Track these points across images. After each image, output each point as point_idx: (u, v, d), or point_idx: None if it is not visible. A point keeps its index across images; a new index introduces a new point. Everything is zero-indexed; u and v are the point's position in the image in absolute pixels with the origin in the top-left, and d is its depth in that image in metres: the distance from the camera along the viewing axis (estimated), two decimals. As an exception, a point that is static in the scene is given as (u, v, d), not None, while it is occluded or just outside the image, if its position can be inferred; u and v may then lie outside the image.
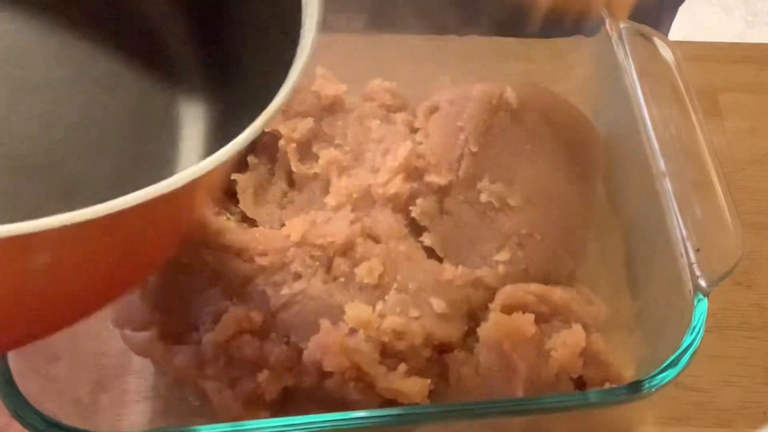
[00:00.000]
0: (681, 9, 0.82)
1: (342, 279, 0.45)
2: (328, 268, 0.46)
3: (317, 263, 0.46)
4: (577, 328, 0.43)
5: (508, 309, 0.44)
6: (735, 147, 0.61)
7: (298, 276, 0.46)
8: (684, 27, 0.82)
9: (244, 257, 0.47)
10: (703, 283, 0.41)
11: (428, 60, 0.57)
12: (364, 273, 0.45)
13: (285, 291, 0.45)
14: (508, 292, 0.45)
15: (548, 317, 0.44)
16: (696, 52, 0.67)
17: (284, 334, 0.44)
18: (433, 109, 0.52)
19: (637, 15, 0.53)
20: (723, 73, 0.66)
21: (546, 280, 0.46)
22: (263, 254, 0.47)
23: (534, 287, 0.45)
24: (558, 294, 0.45)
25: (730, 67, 0.66)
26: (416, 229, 0.48)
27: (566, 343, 0.42)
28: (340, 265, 0.46)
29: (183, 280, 0.46)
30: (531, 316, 0.43)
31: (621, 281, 0.50)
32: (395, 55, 0.57)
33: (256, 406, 0.43)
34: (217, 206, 0.50)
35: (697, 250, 0.42)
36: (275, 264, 0.46)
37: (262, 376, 0.43)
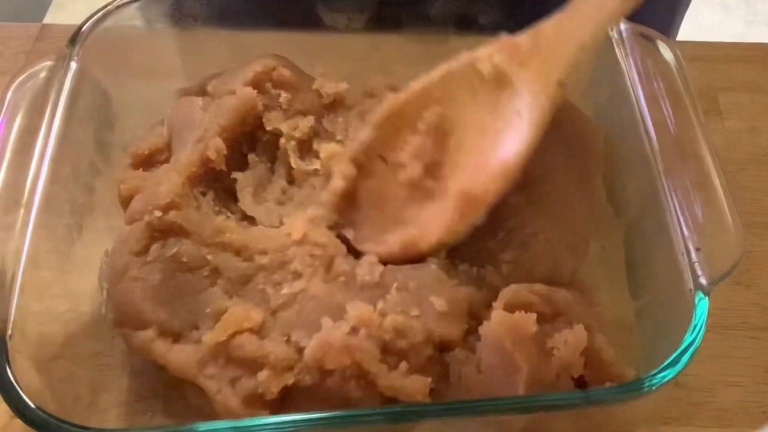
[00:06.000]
0: (681, 9, 0.82)
1: (342, 278, 0.45)
2: (329, 267, 0.46)
3: (317, 262, 0.46)
4: (579, 327, 0.43)
5: (511, 308, 0.44)
6: (735, 147, 0.61)
7: (298, 275, 0.46)
8: (684, 27, 0.82)
9: (244, 256, 0.47)
10: (703, 282, 0.41)
11: (428, 60, 0.57)
12: (365, 271, 0.45)
13: (285, 290, 0.45)
14: (512, 292, 0.45)
15: (551, 317, 0.44)
16: (696, 52, 0.67)
17: (285, 332, 0.44)
18: None
19: (651, 19, 0.53)
20: (723, 73, 0.66)
21: (549, 280, 0.46)
22: (263, 253, 0.47)
23: (538, 287, 0.45)
24: (562, 294, 0.45)
25: (730, 67, 0.66)
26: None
27: (568, 343, 0.42)
28: (341, 264, 0.46)
29: (183, 279, 0.46)
30: (533, 315, 0.43)
31: (621, 281, 0.50)
32: (395, 55, 0.57)
33: (257, 405, 0.43)
34: (217, 205, 0.50)
35: (697, 250, 0.42)
36: (275, 263, 0.46)
37: (262, 375, 0.42)
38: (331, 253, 0.46)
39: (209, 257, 0.47)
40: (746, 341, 0.52)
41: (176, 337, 0.45)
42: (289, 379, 0.43)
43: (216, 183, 0.50)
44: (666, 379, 0.39)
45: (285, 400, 0.43)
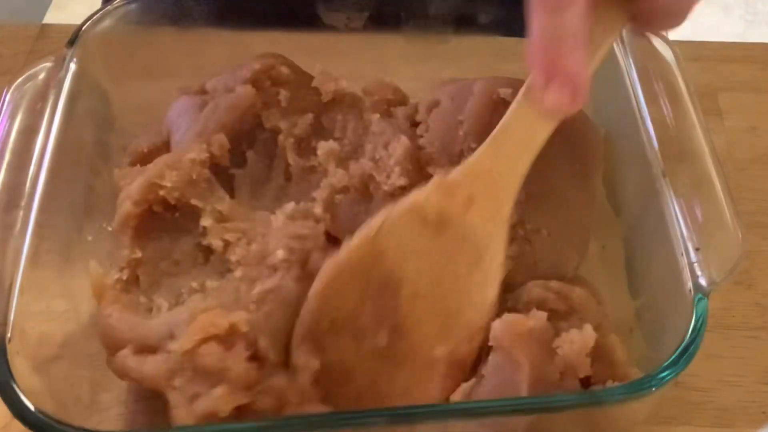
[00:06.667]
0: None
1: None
2: (304, 263, 0.45)
3: (294, 257, 0.45)
4: (587, 327, 0.42)
5: (527, 306, 0.43)
6: (735, 147, 0.61)
7: (274, 270, 0.44)
8: (684, 27, 0.82)
9: (235, 245, 0.46)
10: (703, 282, 0.41)
11: (428, 60, 0.57)
12: None
13: (257, 288, 0.44)
14: (527, 289, 0.45)
15: (565, 315, 0.44)
16: (696, 52, 0.67)
17: (252, 340, 0.43)
18: (434, 104, 0.52)
19: None
20: (723, 73, 0.66)
21: (554, 275, 0.46)
22: (251, 242, 0.46)
23: (554, 284, 0.45)
24: (577, 291, 0.45)
25: (730, 67, 0.66)
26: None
27: (573, 342, 0.42)
28: (318, 260, 0.45)
29: (167, 282, 0.46)
30: (543, 314, 0.42)
31: (621, 281, 0.50)
32: (395, 55, 0.57)
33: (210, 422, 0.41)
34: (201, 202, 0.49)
35: (696, 250, 0.42)
36: (256, 255, 0.45)
37: (217, 391, 0.41)
38: (309, 246, 0.45)
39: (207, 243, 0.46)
40: (746, 341, 0.52)
41: (153, 350, 0.43)
42: (244, 399, 0.41)
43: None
44: (666, 380, 0.39)
45: (239, 419, 0.42)
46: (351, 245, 0.43)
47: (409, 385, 0.42)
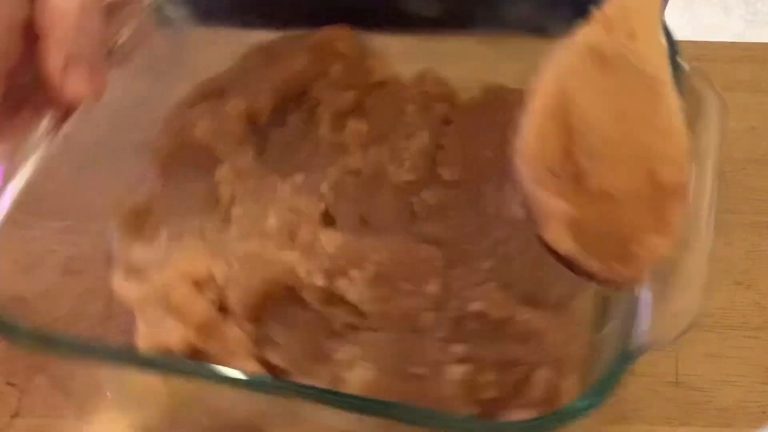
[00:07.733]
0: (681, 9, 0.82)
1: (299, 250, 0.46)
2: (293, 236, 0.46)
3: (285, 228, 0.46)
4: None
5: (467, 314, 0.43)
6: (735, 147, 0.61)
7: (264, 236, 0.46)
8: (684, 27, 0.82)
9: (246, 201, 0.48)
10: (645, 339, 0.35)
11: (427, 60, 0.57)
12: (324, 241, 0.45)
13: (244, 248, 0.46)
14: (473, 296, 0.44)
15: (522, 339, 0.42)
16: (696, 52, 0.67)
17: (224, 291, 0.45)
18: (475, 107, 0.52)
19: None
20: (723, 73, 0.66)
21: (531, 300, 0.44)
22: (256, 201, 0.47)
23: (498, 299, 0.44)
24: (522, 316, 0.43)
25: (730, 67, 0.66)
26: (414, 219, 0.48)
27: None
28: (304, 234, 0.46)
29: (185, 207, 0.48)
30: None
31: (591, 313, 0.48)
32: (395, 55, 0.57)
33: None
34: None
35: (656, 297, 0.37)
36: (252, 217, 0.47)
37: (170, 325, 0.43)
38: (301, 221, 0.46)
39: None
40: (746, 341, 0.52)
41: (140, 275, 0.45)
42: (197, 342, 0.43)
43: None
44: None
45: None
46: (533, 88, 0.40)
47: (651, 219, 0.37)
